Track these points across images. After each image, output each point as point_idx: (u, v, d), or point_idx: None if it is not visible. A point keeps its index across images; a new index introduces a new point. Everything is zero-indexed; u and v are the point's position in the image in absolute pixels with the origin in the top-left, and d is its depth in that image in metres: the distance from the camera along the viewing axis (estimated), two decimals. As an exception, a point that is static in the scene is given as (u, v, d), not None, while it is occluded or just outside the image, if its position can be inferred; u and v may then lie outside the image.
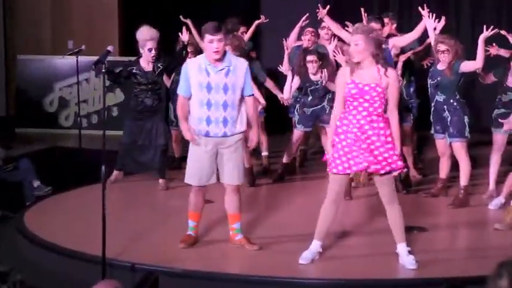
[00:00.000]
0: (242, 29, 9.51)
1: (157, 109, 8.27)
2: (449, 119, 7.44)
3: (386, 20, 8.30)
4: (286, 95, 8.45)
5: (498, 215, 7.07)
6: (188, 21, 9.24)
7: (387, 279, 5.65)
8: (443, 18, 7.60)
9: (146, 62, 8.14)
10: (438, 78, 7.43)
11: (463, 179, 7.52)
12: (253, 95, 6.18)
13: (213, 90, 5.89)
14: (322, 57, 8.36)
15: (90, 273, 5.59)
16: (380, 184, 5.62)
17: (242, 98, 6.01)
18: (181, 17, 9.32)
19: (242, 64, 6.03)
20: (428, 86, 7.60)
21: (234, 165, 6.02)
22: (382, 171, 5.52)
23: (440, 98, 7.47)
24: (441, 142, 7.63)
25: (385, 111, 5.58)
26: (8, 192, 8.26)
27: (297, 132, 8.66)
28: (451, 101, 7.43)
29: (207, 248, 6.20)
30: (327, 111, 8.06)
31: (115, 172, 8.41)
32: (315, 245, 5.78)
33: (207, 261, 5.90)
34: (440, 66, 7.44)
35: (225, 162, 6.01)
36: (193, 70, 5.92)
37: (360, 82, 5.50)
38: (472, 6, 11.99)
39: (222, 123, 5.91)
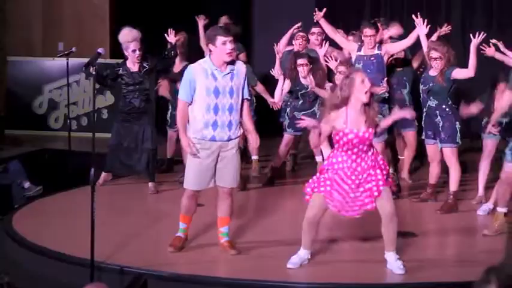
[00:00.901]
0: None
1: (145, 110, 8.24)
2: (441, 125, 7.47)
3: (378, 25, 8.31)
4: (276, 98, 8.45)
5: (487, 220, 7.10)
6: (201, 20, 9.22)
7: (376, 284, 5.66)
8: (448, 27, 7.67)
9: (132, 63, 8.15)
10: (430, 84, 7.46)
11: (453, 185, 7.54)
12: (249, 99, 6.19)
13: (221, 94, 5.90)
14: (313, 61, 8.37)
15: (79, 276, 5.57)
16: (379, 200, 5.60)
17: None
18: (197, 17, 9.31)
19: (243, 68, 6.08)
20: (421, 91, 7.63)
21: (233, 168, 6.03)
22: (369, 206, 5.56)
23: (432, 103, 7.49)
24: (432, 147, 7.66)
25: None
26: (-4, 194, 8.24)
27: (287, 136, 8.66)
28: (443, 106, 7.45)
29: (196, 252, 6.19)
30: (318, 116, 8.07)
31: (103, 174, 8.40)
32: (303, 252, 5.79)
33: (196, 265, 5.89)
34: (433, 73, 7.46)
35: (224, 165, 6.00)
36: (199, 75, 5.91)
37: (358, 130, 5.52)
38: (463, 12, 12.03)
39: (227, 127, 5.93)
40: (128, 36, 8.09)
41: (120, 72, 8.15)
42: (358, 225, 6.69)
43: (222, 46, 5.87)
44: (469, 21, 11.85)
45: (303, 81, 8.39)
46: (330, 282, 5.61)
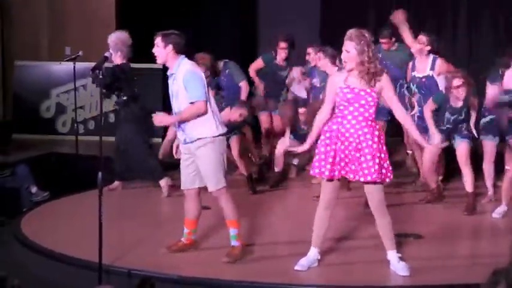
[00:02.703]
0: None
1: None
2: None
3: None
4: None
5: (500, 222, 7.11)
6: None
7: (383, 286, 5.66)
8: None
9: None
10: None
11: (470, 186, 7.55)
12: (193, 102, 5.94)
13: (172, 97, 6.07)
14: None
15: (86, 279, 5.60)
16: (367, 192, 5.62)
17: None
18: None
19: (183, 70, 5.96)
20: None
21: (204, 171, 5.99)
22: (363, 179, 5.50)
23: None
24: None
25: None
26: (5, 198, 8.25)
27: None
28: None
29: (204, 254, 6.20)
30: None
31: (116, 182, 8.44)
32: (313, 252, 5.79)
33: (203, 268, 5.90)
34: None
35: (199, 169, 6.03)
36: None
37: (355, 87, 5.51)
38: (468, 14, 11.98)
39: (181, 130, 6.02)
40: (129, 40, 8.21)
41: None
42: (362, 224, 6.70)
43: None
44: (474, 22, 11.82)
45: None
46: (337, 285, 5.62)
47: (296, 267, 5.73)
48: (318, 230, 5.75)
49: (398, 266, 5.64)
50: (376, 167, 5.44)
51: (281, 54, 9.30)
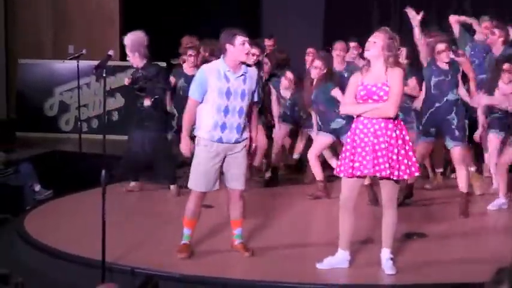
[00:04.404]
0: None
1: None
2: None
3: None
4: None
5: (499, 216, 7.13)
6: None
7: (386, 285, 5.66)
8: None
9: None
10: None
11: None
12: (259, 102, 6.20)
13: (232, 96, 5.90)
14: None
15: (90, 277, 5.59)
16: (383, 186, 5.60)
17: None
18: None
19: (255, 72, 6.10)
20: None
21: (241, 170, 6.03)
22: (378, 175, 5.47)
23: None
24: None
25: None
26: (8, 195, 8.26)
27: (282, 126, 8.82)
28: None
29: (207, 253, 6.19)
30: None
31: (133, 183, 8.43)
32: (340, 254, 5.74)
33: (206, 266, 5.89)
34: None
35: (233, 168, 6.00)
36: (211, 75, 5.90)
37: (368, 83, 5.51)
38: (473, 7, 11.95)
39: (235, 129, 5.92)
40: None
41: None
42: (370, 224, 6.69)
43: (240, 46, 5.90)
44: (479, 15, 11.79)
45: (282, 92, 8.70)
46: (344, 284, 5.62)
47: (318, 266, 5.71)
48: (342, 231, 5.70)
49: (387, 264, 5.64)
50: (392, 162, 5.43)
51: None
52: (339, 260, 5.74)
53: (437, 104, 7.36)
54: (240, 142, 5.97)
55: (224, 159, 5.97)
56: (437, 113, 7.35)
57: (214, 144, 5.91)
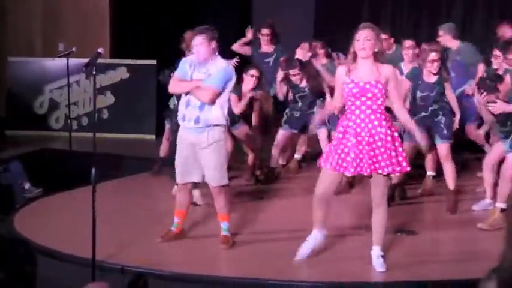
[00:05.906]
0: None
1: None
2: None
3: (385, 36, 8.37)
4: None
5: (487, 215, 7.13)
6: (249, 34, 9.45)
7: (377, 282, 5.67)
8: None
9: None
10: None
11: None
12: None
13: None
14: (305, 66, 8.49)
15: (80, 275, 5.58)
16: (374, 183, 5.60)
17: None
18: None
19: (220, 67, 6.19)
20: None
21: (211, 166, 6.11)
22: (380, 172, 5.49)
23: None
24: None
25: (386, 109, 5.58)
26: (-2, 194, 8.25)
27: (282, 132, 8.69)
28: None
29: (197, 251, 6.20)
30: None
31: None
32: (314, 234, 5.75)
33: (197, 264, 5.89)
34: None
35: (203, 164, 6.12)
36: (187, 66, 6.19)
37: (360, 80, 5.50)
38: (464, 11, 11.99)
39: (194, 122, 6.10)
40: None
41: None
42: (360, 220, 6.70)
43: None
44: (469, 19, 11.84)
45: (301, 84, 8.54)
46: (334, 281, 5.62)
47: (297, 257, 5.75)
48: (317, 213, 5.70)
49: (377, 262, 5.65)
50: (393, 159, 5.46)
51: (263, 41, 9.44)
52: (311, 237, 5.76)
53: (423, 113, 7.47)
54: (205, 138, 6.06)
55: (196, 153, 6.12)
56: (424, 119, 7.44)
57: (183, 136, 6.18)
